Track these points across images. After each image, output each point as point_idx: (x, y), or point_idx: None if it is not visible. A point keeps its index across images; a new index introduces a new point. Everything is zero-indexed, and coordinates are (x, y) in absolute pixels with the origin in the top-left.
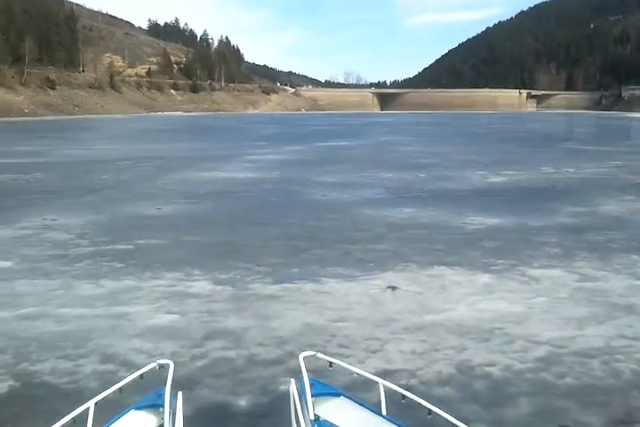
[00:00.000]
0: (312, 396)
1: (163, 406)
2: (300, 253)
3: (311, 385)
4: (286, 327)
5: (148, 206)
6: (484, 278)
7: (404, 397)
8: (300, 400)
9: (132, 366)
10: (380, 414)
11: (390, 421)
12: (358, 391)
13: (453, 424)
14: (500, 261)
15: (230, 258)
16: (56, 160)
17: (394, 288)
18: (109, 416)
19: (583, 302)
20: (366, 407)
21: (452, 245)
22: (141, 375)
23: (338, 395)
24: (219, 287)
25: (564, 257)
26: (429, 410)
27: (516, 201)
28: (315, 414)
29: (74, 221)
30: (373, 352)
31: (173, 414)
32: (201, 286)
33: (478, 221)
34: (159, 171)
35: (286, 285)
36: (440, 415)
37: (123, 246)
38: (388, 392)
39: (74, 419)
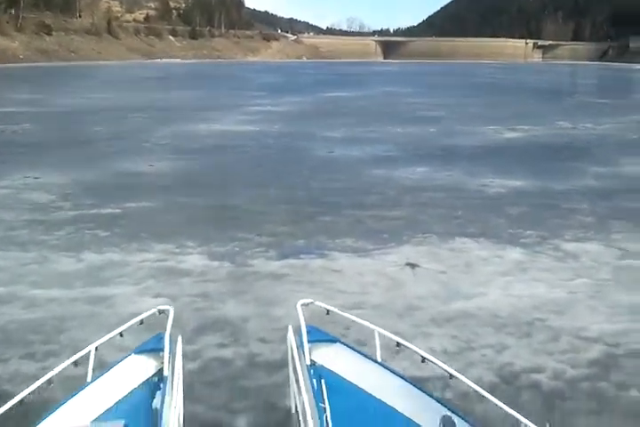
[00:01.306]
0: (309, 342)
1: (163, 350)
2: (306, 220)
3: (308, 332)
4: (292, 317)
5: (140, 162)
6: (515, 254)
7: (398, 344)
8: (297, 346)
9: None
10: (374, 360)
11: (384, 367)
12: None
13: (445, 370)
14: (529, 231)
15: (228, 226)
16: (48, 110)
17: (413, 266)
18: (110, 360)
19: (631, 285)
20: (362, 354)
21: (473, 212)
22: (141, 321)
23: (334, 341)
24: (215, 263)
25: (599, 228)
26: (423, 357)
27: (535, 160)
28: (311, 360)
29: (58, 179)
30: (397, 352)
31: (173, 357)
32: (194, 261)
33: (498, 183)
34: (154, 122)
35: (291, 260)
36: (433, 362)
37: (109, 210)
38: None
39: (75, 362)
